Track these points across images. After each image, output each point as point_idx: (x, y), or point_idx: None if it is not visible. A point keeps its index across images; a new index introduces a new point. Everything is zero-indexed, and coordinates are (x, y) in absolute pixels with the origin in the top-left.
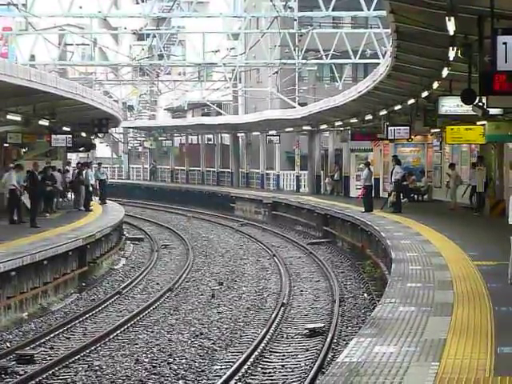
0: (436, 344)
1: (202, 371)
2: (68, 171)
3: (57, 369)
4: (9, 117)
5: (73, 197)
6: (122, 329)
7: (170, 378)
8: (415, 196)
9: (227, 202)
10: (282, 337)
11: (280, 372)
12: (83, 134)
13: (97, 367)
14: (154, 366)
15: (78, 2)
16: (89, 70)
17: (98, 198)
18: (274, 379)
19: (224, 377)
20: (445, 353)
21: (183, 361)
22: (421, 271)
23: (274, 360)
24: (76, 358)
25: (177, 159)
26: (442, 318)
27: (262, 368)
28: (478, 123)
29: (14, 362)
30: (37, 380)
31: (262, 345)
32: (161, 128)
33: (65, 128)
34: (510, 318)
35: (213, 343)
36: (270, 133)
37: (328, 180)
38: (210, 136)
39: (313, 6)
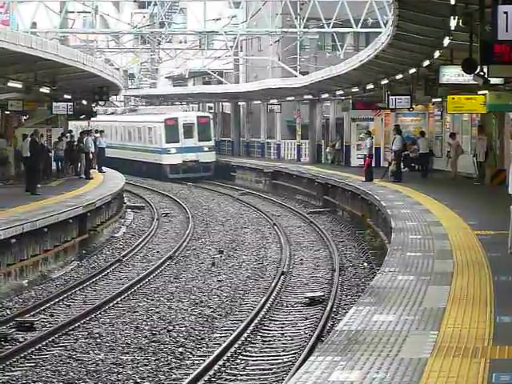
0: (435, 313)
1: (202, 339)
2: (62, 139)
3: (57, 336)
4: (10, 84)
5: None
6: (122, 296)
7: (169, 346)
8: (416, 165)
9: (228, 171)
10: (282, 305)
11: (279, 340)
12: (84, 102)
13: (97, 334)
14: (154, 334)
15: None
16: (90, 37)
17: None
18: (274, 347)
19: (224, 344)
20: (444, 321)
21: (183, 328)
22: (420, 240)
23: (273, 328)
24: (76, 325)
25: None
26: (441, 287)
27: (261, 336)
28: (479, 93)
29: (14, 329)
30: (37, 347)
31: (262, 313)
32: (162, 96)
33: (66, 96)
34: (509, 288)
35: (213, 311)
36: (271, 102)
37: (329, 149)
38: (211, 105)
39: None
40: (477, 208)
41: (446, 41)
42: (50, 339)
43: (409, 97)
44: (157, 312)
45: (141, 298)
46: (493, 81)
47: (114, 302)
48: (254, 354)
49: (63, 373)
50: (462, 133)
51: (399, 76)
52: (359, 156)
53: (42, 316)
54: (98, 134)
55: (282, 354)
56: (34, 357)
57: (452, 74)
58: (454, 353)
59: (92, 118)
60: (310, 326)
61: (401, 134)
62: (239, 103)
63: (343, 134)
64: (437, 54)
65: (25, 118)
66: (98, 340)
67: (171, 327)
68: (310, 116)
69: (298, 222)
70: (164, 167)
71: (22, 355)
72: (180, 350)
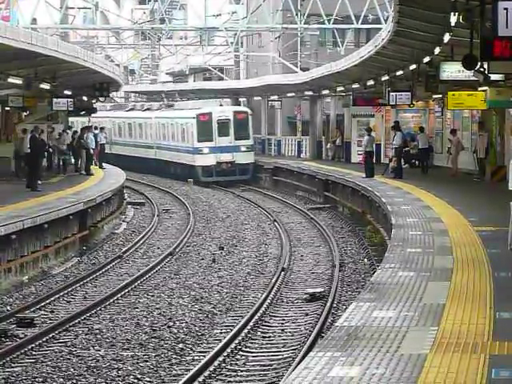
0: (435, 309)
1: (202, 335)
2: (62, 134)
3: (57, 332)
4: (10, 80)
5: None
6: (123, 292)
7: (170, 342)
8: (416, 162)
9: None
10: (282, 301)
11: (280, 336)
12: (84, 98)
13: (97, 331)
14: (154, 330)
15: None
16: (90, 33)
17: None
18: (274, 343)
19: (224, 340)
20: (444, 317)
21: (183, 325)
22: (421, 237)
23: (273, 324)
24: (76, 321)
25: None
26: (441, 283)
27: (261, 332)
28: (480, 89)
29: (14, 326)
30: (37, 343)
31: (262, 309)
32: (162, 92)
33: (66, 92)
34: (509, 284)
35: (213, 307)
36: (272, 98)
37: (330, 145)
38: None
39: None
40: (477, 204)
41: (447, 37)
42: (51, 335)
43: (409, 93)
44: (157, 308)
45: (141, 294)
46: (493, 77)
47: (115, 298)
48: (254, 350)
49: (63, 369)
50: (463, 129)
51: (400, 72)
52: (360, 152)
53: (43, 312)
54: (97, 131)
55: (282, 349)
56: (34, 353)
57: (452, 71)
58: (454, 349)
59: (121, 114)
60: (311, 322)
61: (400, 130)
62: (240, 99)
63: (344, 130)
64: (437, 50)
65: (25, 114)
66: (99, 336)
67: (171, 323)
68: (311, 112)
69: (299, 219)
70: (196, 169)
71: (23, 351)
72: (180, 345)
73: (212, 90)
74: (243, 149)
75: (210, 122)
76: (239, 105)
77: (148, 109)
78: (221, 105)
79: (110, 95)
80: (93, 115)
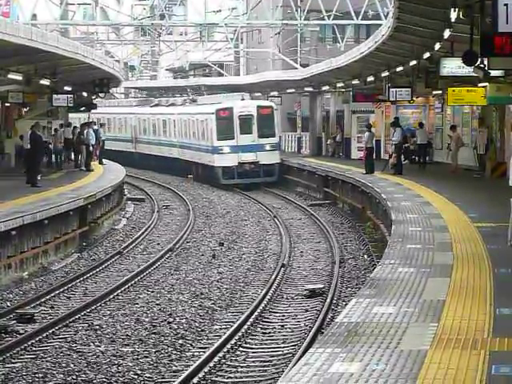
0: (435, 305)
1: (202, 331)
2: (58, 130)
3: (57, 328)
4: (10, 76)
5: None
6: (123, 288)
7: (169, 338)
8: (416, 158)
9: None
10: (282, 297)
11: (280, 332)
12: (84, 94)
13: (97, 326)
14: (154, 326)
15: None
16: (90, 29)
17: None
18: (274, 339)
19: (224, 336)
20: (444, 314)
21: (183, 320)
22: (421, 233)
23: (273, 320)
24: (76, 317)
25: None
26: (441, 280)
27: (261, 328)
28: (480, 85)
29: (14, 321)
30: (37, 339)
31: (262, 305)
32: (162, 88)
33: (66, 88)
34: (509, 280)
35: (213, 303)
36: (272, 94)
37: (330, 142)
38: None
39: None
40: (477, 200)
41: (447, 33)
42: (51, 331)
43: (409, 89)
44: (157, 304)
45: (141, 289)
46: (493, 73)
47: (115, 293)
48: (254, 346)
49: (63, 364)
50: (463, 125)
51: (400, 68)
52: (360, 148)
53: (43, 308)
54: (96, 126)
55: (282, 345)
56: (34, 349)
57: (452, 66)
58: (454, 345)
59: (145, 110)
60: (311, 318)
61: (400, 126)
62: None
63: (344, 127)
64: (437, 46)
65: (25, 110)
66: (99, 332)
67: (171, 319)
68: (311, 108)
69: (299, 215)
70: (216, 170)
71: (23, 347)
72: (180, 341)
73: (212, 86)
74: (268, 148)
75: (231, 117)
76: None
77: (172, 104)
78: (242, 99)
79: (110, 91)
80: (116, 111)
